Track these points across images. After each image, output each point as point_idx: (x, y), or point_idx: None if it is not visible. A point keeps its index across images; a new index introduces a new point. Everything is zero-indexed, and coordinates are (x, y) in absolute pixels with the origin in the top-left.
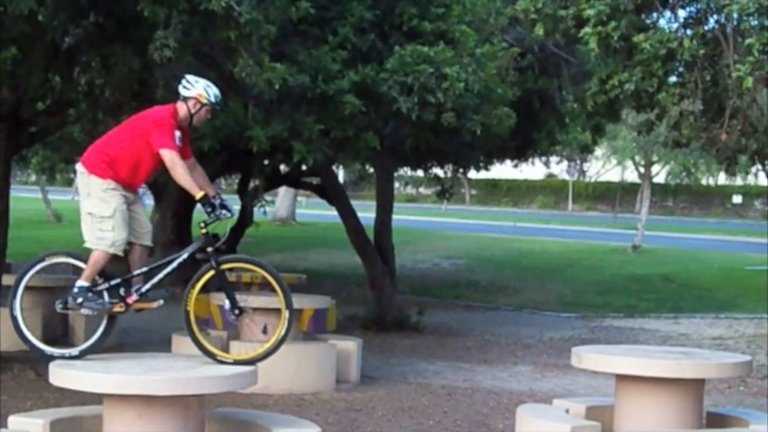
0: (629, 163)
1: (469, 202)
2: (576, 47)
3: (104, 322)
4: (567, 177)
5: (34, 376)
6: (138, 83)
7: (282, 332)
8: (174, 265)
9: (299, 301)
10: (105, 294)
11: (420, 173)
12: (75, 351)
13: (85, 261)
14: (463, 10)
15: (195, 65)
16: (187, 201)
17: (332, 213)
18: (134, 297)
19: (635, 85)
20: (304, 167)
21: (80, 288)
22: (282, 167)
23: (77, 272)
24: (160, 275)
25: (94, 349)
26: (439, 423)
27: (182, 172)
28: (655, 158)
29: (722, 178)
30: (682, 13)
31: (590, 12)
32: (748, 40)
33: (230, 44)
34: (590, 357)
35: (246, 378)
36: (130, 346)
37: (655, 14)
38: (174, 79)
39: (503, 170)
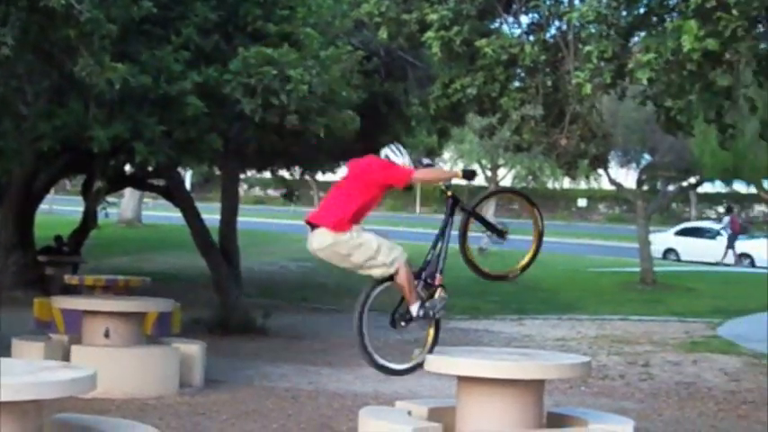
0: (476, 166)
1: (318, 205)
2: (421, 51)
3: (433, 326)
4: None
5: None
6: None
7: (541, 225)
8: (449, 230)
9: (142, 304)
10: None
11: (268, 175)
12: (409, 364)
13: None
14: (308, 12)
15: (35, 63)
16: (28, 202)
17: (179, 215)
18: (439, 277)
19: (477, 90)
20: (150, 169)
21: (420, 307)
22: (128, 168)
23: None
24: (444, 253)
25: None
26: (283, 426)
27: (434, 173)
28: (501, 162)
29: (567, 182)
30: (524, 20)
31: (433, 16)
32: (587, 48)
33: (71, 43)
34: (431, 359)
35: (85, 383)
36: None
37: (498, 20)
38: (12, 77)
39: None
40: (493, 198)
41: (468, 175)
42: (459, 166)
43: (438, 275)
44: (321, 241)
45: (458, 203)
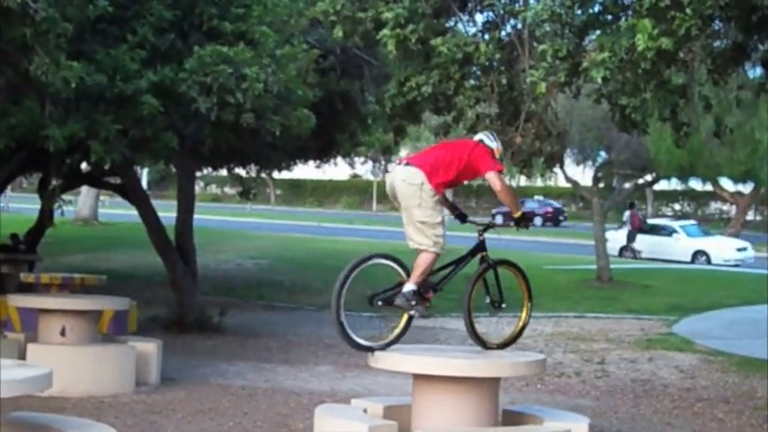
0: None
1: (274, 202)
2: (376, 49)
3: (405, 320)
4: (371, 178)
5: None
6: None
7: (526, 318)
8: (463, 264)
9: (98, 302)
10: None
11: (224, 172)
12: (369, 343)
13: (401, 265)
14: (264, 11)
15: None
16: None
17: (135, 213)
18: (431, 294)
19: (432, 88)
20: (106, 167)
21: (413, 291)
22: (84, 167)
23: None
24: (446, 281)
25: (397, 342)
26: (239, 424)
27: (508, 191)
28: None
29: (523, 179)
30: (479, 18)
31: (388, 14)
32: (542, 46)
33: (26, 41)
34: (386, 357)
35: (41, 381)
36: None
37: (453, 19)
38: None
39: (307, 170)
40: (506, 267)
41: (523, 220)
42: None
43: (432, 292)
44: (411, 178)
45: (483, 251)
